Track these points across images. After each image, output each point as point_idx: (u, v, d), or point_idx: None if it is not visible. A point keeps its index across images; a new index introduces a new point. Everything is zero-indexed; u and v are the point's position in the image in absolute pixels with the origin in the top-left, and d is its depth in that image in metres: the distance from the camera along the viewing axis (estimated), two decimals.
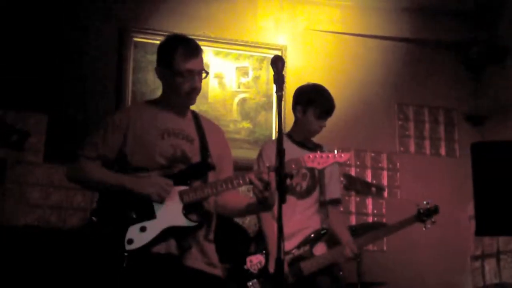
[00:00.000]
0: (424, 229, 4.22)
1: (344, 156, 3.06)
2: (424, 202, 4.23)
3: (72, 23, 5.37)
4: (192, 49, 3.04)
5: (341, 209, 4.43)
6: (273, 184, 2.80)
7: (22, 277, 4.33)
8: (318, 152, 3.06)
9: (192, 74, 3.01)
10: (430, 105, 6.21)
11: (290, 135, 4.07)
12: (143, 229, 2.85)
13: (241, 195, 3.08)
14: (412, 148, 6.11)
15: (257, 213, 3.46)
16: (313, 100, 4.00)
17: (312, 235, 3.91)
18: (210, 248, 3.02)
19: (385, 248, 5.77)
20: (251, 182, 2.87)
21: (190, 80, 3.01)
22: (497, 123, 6.01)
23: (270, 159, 3.73)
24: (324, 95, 4.06)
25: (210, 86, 5.61)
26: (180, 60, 3.00)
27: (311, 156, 3.01)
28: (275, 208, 3.87)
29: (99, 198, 2.99)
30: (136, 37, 5.48)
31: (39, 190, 4.90)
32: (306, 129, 4.05)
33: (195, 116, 3.18)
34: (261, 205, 2.90)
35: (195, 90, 3.04)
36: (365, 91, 5.99)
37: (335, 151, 3.06)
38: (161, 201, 2.88)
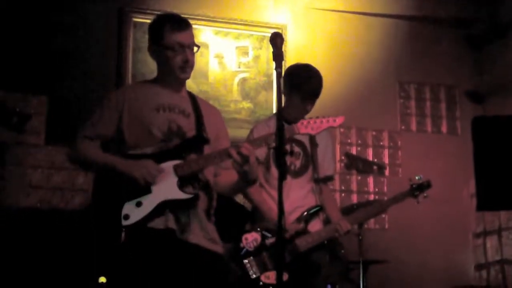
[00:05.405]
0: (417, 203, 4.23)
1: (338, 120, 3.04)
2: (417, 177, 4.23)
3: (72, 4, 5.35)
4: (179, 23, 3.08)
5: (331, 186, 4.42)
6: (252, 158, 2.84)
7: (24, 258, 4.35)
8: (312, 118, 3.05)
9: (183, 47, 3.04)
10: (431, 82, 6.19)
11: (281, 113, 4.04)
12: (138, 204, 2.87)
13: (234, 173, 3.09)
14: (413, 126, 6.09)
15: (243, 189, 3.48)
16: (296, 84, 3.91)
17: (306, 213, 3.94)
18: (211, 224, 3.03)
19: (386, 226, 5.78)
20: (229, 156, 2.88)
21: (181, 53, 3.04)
22: (499, 100, 5.98)
23: None
24: (308, 78, 3.95)
25: (210, 66, 5.59)
26: (169, 34, 3.04)
27: (304, 122, 3.01)
28: (267, 185, 3.96)
29: (96, 176, 3.03)
30: (136, 17, 5.46)
31: (40, 172, 4.90)
32: (293, 112, 3.90)
33: (192, 95, 3.21)
34: (243, 179, 2.94)
35: (188, 62, 3.06)
36: (366, 69, 5.96)
37: (329, 116, 3.05)
38: (146, 185, 2.87)
